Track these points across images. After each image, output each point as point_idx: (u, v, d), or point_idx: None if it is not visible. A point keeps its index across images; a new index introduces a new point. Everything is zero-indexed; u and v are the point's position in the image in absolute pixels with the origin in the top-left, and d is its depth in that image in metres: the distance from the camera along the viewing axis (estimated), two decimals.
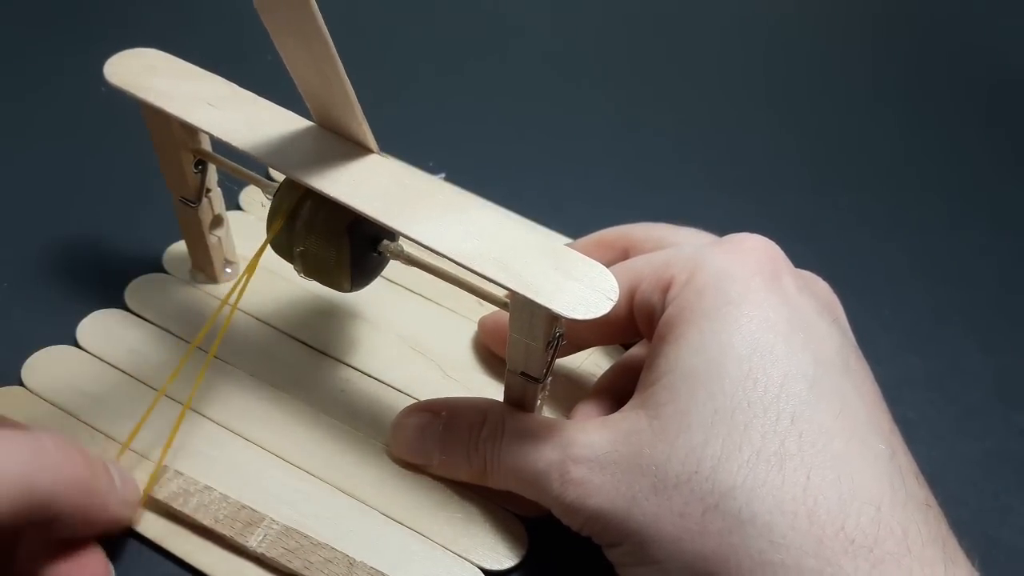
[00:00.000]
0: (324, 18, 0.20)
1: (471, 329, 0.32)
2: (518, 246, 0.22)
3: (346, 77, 0.22)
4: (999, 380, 0.33)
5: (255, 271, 0.26)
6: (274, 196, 0.26)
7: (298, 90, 0.24)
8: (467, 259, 0.22)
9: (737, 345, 0.21)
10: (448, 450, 0.25)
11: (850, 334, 0.24)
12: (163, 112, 0.25)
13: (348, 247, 0.25)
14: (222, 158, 0.28)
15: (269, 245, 0.26)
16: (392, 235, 0.26)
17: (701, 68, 0.48)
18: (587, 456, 0.22)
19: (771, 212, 0.39)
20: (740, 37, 0.51)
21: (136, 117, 0.27)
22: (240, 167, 0.28)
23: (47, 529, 0.21)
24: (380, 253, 0.26)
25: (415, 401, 0.28)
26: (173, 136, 0.27)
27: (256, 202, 0.35)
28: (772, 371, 0.21)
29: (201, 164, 0.28)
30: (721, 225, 0.41)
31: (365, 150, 0.24)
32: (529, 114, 0.47)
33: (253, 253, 0.33)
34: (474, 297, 0.26)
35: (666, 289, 0.23)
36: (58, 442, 0.21)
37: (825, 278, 0.39)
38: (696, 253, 0.23)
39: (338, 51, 0.21)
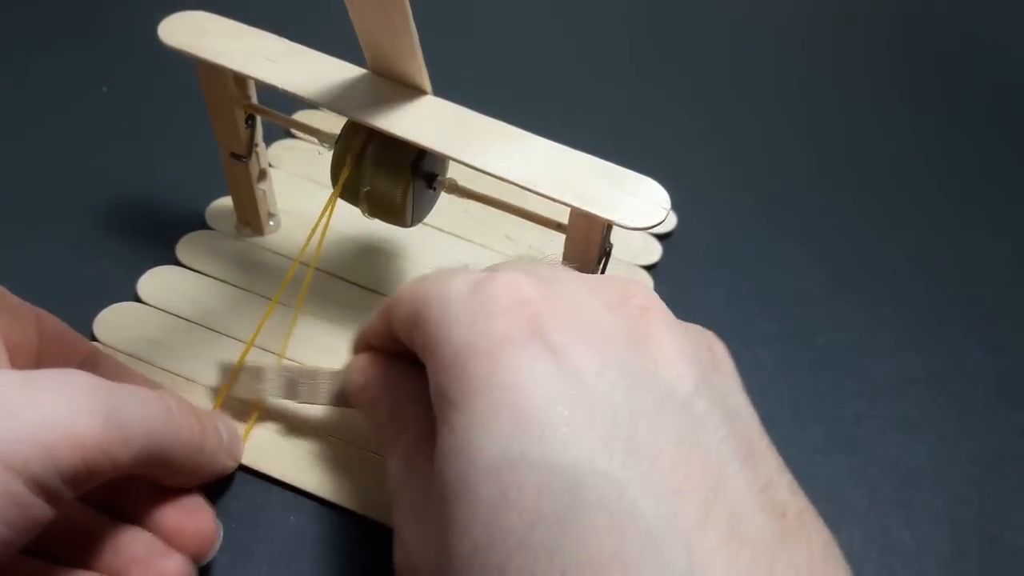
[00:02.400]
0: None
1: (500, 259, 0.33)
2: (573, 169, 0.24)
3: (413, 21, 0.23)
4: (1000, 379, 0.32)
5: (310, 220, 0.27)
6: (337, 142, 0.27)
7: (356, 39, 0.25)
8: (530, 183, 0.24)
9: (487, 452, 0.16)
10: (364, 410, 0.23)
11: (670, 373, 0.18)
12: (223, 69, 0.26)
13: (412, 183, 0.26)
14: (275, 112, 0.29)
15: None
16: (444, 171, 0.28)
17: (701, 67, 0.47)
18: (402, 537, 0.20)
19: (771, 212, 0.38)
20: (740, 36, 0.50)
21: (159, 79, 0.27)
22: (292, 118, 0.30)
23: (159, 477, 0.22)
24: (435, 188, 0.27)
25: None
26: (228, 93, 0.28)
27: (284, 159, 0.37)
28: (527, 484, 0.16)
29: (251, 119, 0.29)
30: (721, 225, 0.40)
31: (420, 92, 0.26)
32: (527, 113, 0.45)
33: (290, 207, 0.34)
34: (501, 231, 0.30)
35: (423, 354, 0.19)
36: (181, 405, 0.22)
37: (826, 278, 0.38)
38: (446, 316, 0.18)
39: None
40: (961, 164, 0.43)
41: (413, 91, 0.26)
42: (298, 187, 0.35)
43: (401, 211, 0.27)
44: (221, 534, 0.24)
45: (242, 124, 0.29)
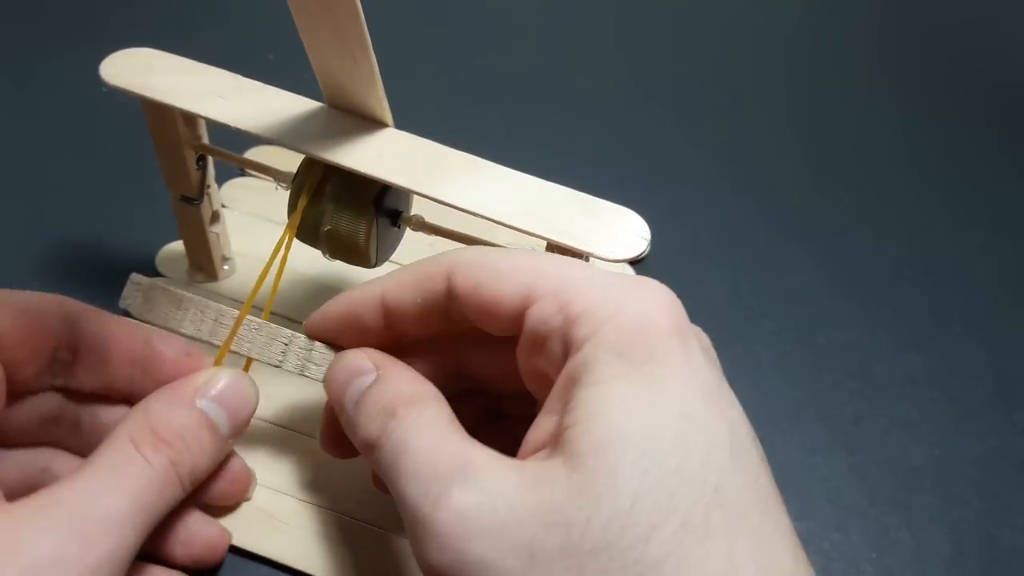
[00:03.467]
0: None
1: None
2: (545, 200, 0.25)
3: (372, 49, 0.23)
4: (1001, 379, 0.33)
5: (274, 257, 0.26)
6: (294, 180, 0.27)
7: (313, 71, 0.25)
8: (504, 217, 0.24)
9: (666, 406, 0.20)
10: (360, 407, 0.23)
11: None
12: (171, 108, 0.26)
13: (376, 221, 0.26)
14: (227, 151, 0.30)
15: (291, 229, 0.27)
16: (408, 207, 0.28)
17: (702, 67, 0.48)
18: (483, 486, 0.19)
19: (771, 212, 0.39)
20: (741, 36, 0.50)
21: (115, 121, 0.26)
22: (246, 157, 0.30)
23: None
24: (399, 226, 0.28)
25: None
26: (177, 133, 0.28)
27: (238, 199, 0.37)
28: (698, 437, 0.19)
29: (202, 160, 0.30)
30: (721, 225, 0.40)
31: (380, 125, 0.26)
32: (527, 112, 0.46)
33: (246, 249, 0.34)
34: None
35: (573, 320, 0.21)
36: (163, 467, 0.22)
37: (826, 278, 0.38)
38: (612, 289, 0.21)
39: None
40: (960, 164, 0.44)
41: (373, 124, 0.26)
42: (254, 227, 0.36)
43: (365, 251, 0.27)
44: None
45: (193, 165, 0.29)
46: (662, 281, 0.33)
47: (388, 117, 0.26)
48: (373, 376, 0.23)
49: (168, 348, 0.25)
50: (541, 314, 0.21)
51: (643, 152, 0.44)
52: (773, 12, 0.56)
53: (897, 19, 0.57)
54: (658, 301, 0.21)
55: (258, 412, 0.29)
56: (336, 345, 0.25)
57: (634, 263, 0.37)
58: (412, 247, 0.30)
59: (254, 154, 0.37)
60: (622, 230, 0.24)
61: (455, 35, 0.51)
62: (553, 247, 0.24)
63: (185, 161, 0.29)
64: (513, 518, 0.18)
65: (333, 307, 0.24)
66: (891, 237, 0.40)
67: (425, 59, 0.48)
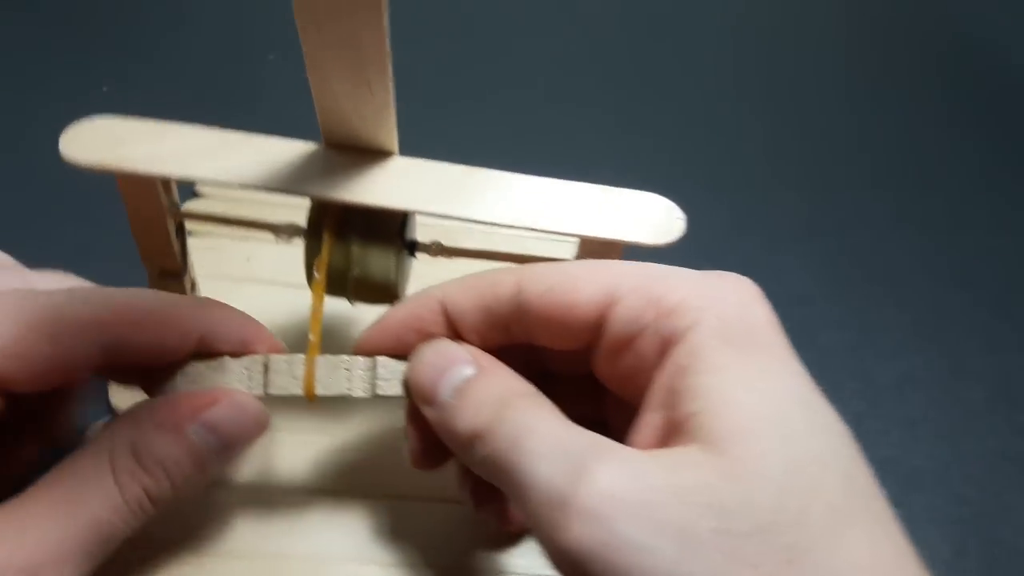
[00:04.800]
0: None
1: None
2: (573, 200, 0.24)
3: (392, 80, 0.22)
4: (1001, 379, 0.34)
5: (318, 310, 0.25)
6: (307, 232, 0.26)
7: (314, 102, 0.23)
8: (542, 224, 0.24)
9: (788, 393, 0.20)
10: (465, 396, 0.22)
11: None
12: (155, 179, 0.25)
13: (403, 253, 0.26)
14: (209, 214, 0.28)
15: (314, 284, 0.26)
16: (415, 234, 0.28)
17: (701, 67, 0.48)
18: (627, 464, 0.19)
19: (771, 212, 0.39)
20: (741, 36, 0.50)
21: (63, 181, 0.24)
22: (237, 216, 0.28)
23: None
24: (415, 255, 0.27)
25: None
26: (160, 205, 0.26)
27: (195, 262, 0.35)
28: (821, 424, 0.20)
29: (180, 230, 0.28)
30: (722, 225, 0.40)
31: (385, 154, 0.25)
32: (527, 113, 0.46)
33: None
34: None
35: (667, 312, 0.21)
36: (135, 498, 0.21)
37: (824, 278, 0.38)
38: (701, 281, 0.22)
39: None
40: (961, 164, 0.44)
41: (380, 155, 0.25)
42: (218, 290, 0.32)
43: (395, 288, 0.26)
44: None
45: (175, 236, 0.27)
46: None
47: (395, 145, 0.24)
48: (472, 368, 0.22)
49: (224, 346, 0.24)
50: (629, 312, 0.21)
51: (643, 152, 0.45)
52: (774, 12, 0.56)
53: (898, 19, 0.57)
54: (749, 292, 0.21)
55: (322, 484, 0.28)
56: (399, 357, 0.23)
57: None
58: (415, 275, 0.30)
59: (192, 205, 0.34)
60: (655, 213, 0.24)
61: (449, 34, 0.51)
62: (592, 242, 0.23)
63: (168, 234, 0.26)
64: (661, 498, 0.18)
65: (393, 317, 0.24)
66: (891, 237, 0.41)
67: (418, 60, 0.48)
